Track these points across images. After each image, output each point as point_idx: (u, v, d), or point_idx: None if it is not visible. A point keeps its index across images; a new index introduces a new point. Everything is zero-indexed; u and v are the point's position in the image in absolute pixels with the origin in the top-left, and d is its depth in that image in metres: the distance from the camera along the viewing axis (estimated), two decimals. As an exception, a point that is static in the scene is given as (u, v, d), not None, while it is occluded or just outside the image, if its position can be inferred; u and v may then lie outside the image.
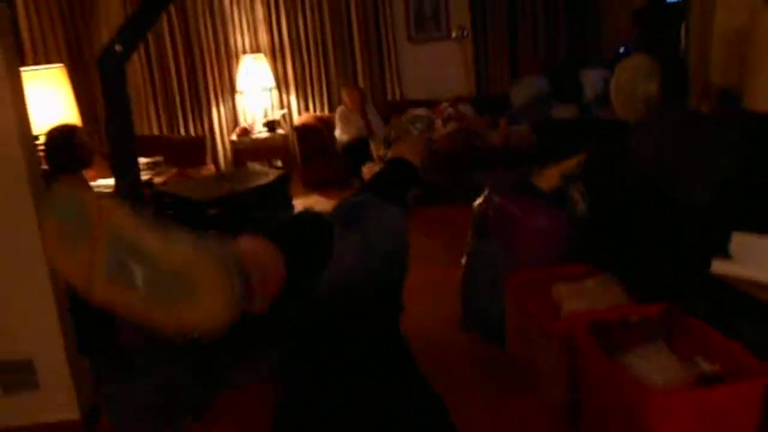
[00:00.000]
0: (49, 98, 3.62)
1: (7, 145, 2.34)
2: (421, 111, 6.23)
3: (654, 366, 2.13)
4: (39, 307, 2.50)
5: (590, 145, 2.97)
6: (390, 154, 1.94)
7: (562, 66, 6.84)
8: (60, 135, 3.13)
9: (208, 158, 6.37)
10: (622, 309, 2.41)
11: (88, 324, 2.83)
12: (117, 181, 2.91)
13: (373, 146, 5.81)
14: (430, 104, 6.42)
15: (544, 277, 2.82)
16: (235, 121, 6.82)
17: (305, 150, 6.29)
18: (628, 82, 3.79)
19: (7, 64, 2.29)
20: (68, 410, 2.69)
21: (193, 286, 0.95)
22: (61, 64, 3.99)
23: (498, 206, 3.04)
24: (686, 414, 1.99)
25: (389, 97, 6.87)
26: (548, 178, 3.01)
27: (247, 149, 6.37)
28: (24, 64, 4.20)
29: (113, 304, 0.98)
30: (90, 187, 3.28)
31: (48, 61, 4.31)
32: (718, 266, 2.21)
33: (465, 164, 5.60)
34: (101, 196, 1.00)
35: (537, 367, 2.67)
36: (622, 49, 5.84)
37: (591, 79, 5.82)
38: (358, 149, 5.92)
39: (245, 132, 6.46)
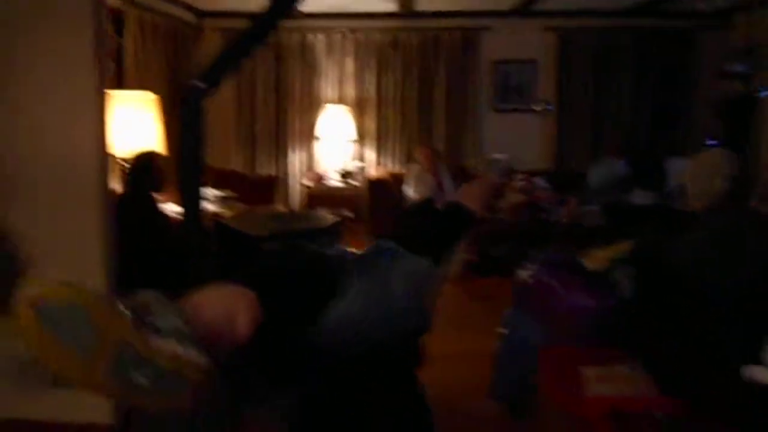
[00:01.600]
0: (138, 123, 3.91)
1: (83, 160, 2.54)
2: (501, 156, 6.30)
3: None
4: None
5: (641, 234, 2.95)
6: (457, 195, 1.92)
7: (645, 152, 6.77)
8: (141, 158, 3.38)
9: (279, 198, 6.61)
10: (646, 400, 2.35)
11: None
12: (184, 209, 3.11)
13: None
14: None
15: (579, 356, 2.78)
16: (311, 167, 7.06)
17: (375, 202, 6.44)
18: (702, 175, 3.77)
19: (95, 88, 2.51)
20: (101, 413, 2.83)
21: (185, 379, 1.06)
22: (153, 93, 4.30)
23: (540, 279, 3.04)
24: None
25: (466, 162, 6.96)
26: (596, 259, 3.00)
27: (318, 195, 6.58)
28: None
29: (113, 395, 1.05)
30: (162, 212, 3.48)
31: (148, 90, 4.65)
32: (750, 372, 2.14)
33: (527, 238, 5.58)
34: (104, 302, 1.02)
35: (557, 448, 2.62)
36: (711, 141, 5.76)
37: (676, 168, 5.75)
38: (426, 209, 6.00)
39: (318, 178, 6.68)
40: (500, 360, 3.21)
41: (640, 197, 5.82)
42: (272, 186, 6.51)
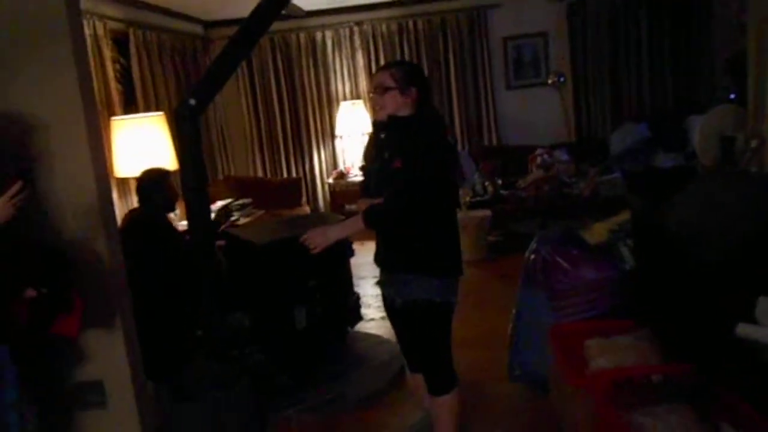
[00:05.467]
0: (149, 144, 4.04)
1: (83, 186, 2.65)
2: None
3: (668, 426, 2.10)
4: (109, 334, 2.78)
5: (634, 201, 2.94)
6: None
7: (667, 113, 6.63)
8: (150, 177, 3.49)
9: (304, 199, 6.72)
10: (645, 368, 2.38)
11: (155, 352, 3.13)
12: (189, 223, 3.23)
13: (462, 192, 5.89)
14: (527, 150, 6.44)
15: (586, 330, 2.81)
16: (335, 165, 7.16)
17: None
18: (712, 125, 3.73)
19: (86, 114, 2.60)
20: (131, 430, 2.96)
21: None
22: (161, 112, 4.42)
23: (545, 257, 3.06)
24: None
25: (486, 142, 6.94)
26: (596, 233, 3.02)
27: (343, 192, 6.65)
28: (136, 110, 4.70)
29: None
30: (174, 228, 3.61)
31: (157, 109, 4.79)
32: (744, 330, 2.15)
33: (552, 213, 5.56)
34: None
35: (569, 421, 2.66)
36: (732, 96, 5.62)
37: (697, 127, 5.63)
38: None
39: (341, 175, 6.77)
40: (513, 341, 3.26)
41: (664, 160, 5.73)
42: (297, 188, 6.61)
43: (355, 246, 3.82)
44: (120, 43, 4.76)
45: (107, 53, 4.48)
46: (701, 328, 2.29)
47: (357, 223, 2.36)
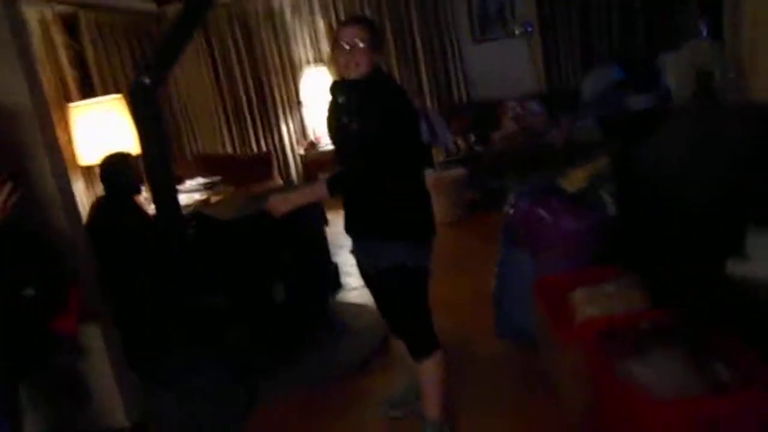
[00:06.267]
0: (109, 128, 3.88)
1: (41, 177, 2.55)
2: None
3: (659, 372, 2.05)
4: (86, 324, 2.70)
5: (613, 144, 2.87)
6: None
7: (640, 53, 6.53)
8: (111, 162, 3.35)
9: (276, 172, 6.57)
10: (634, 315, 2.32)
11: (133, 340, 3.04)
12: (156, 206, 3.12)
13: (435, 152, 5.79)
14: (498, 104, 6.34)
15: (571, 281, 2.75)
16: (304, 135, 6.99)
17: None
18: (687, 60, 3.64)
19: (34, 103, 2.48)
20: (117, 419, 2.90)
21: None
22: (120, 95, 4.26)
23: (525, 211, 2.99)
24: (688, 424, 1.90)
25: (455, 99, 6.82)
26: (575, 180, 2.94)
27: (315, 161, 6.51)
28: (93, 95, 4.51)
29: None
30: (143, 212, 3.49)
31: (117, 92, 4.60)
32: (735, 267, 2.09)
33: (527, 166, 5.48)
34: None
35: (557, 376, 2.61)
36: (705, 32, 5.52)
37: (669, 65, 5.54)
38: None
39: (312, 145, 6.63)
40: (498, 299, 3.20)
41: (637, 102, 5.65)
42: (268, 162, 6.45)
43: (331, 215, 3.72)
44: (71, 27, 4.55)
45: (59, 39, 4.29)
46: (690, 269, 2.23)
47: (320, 189, 2.28)
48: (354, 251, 2.53)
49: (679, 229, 2.27)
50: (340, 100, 2.33)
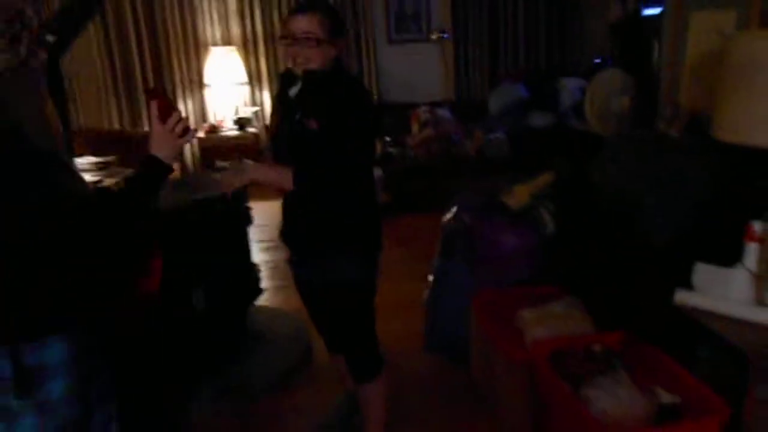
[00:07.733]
0: None
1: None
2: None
3: (614, 397, 2.10)
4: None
5: (560, 163, 2.93)
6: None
7: (542, 74, 6.81)
8: None
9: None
10: (584, 338, 2.38)
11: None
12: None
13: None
14: (408, 107, 6.35)
15: (510, 298, 2.77)
16: (204, 118, 6.61)
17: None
18: (602, 96, 3.79)
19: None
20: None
21: None
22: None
23: (466, 225, 2.99)
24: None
25: (367, 99, 6.75)
26: (518, 197, 2.97)
27: (215, 147, 6.15)
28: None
29: None
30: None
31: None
32: (681, 297, 2.18)
33: (439, 172, 5.54)
34: None
35: (499, 394, 2.63)
36: (598, 60, 5.82)
37: (568, 88, 5.81)
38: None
39: (213, 129, 6.29)
40: (431, 312, 3.17)
41: (539, 119, 5.87)
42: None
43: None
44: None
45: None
46: (638, 296, 2.31)
47: (286, 175, 2.01)
48: (292, 262, 2.32)
49: (628, 259, 2.35)
50: (292, 92, 2.10)
